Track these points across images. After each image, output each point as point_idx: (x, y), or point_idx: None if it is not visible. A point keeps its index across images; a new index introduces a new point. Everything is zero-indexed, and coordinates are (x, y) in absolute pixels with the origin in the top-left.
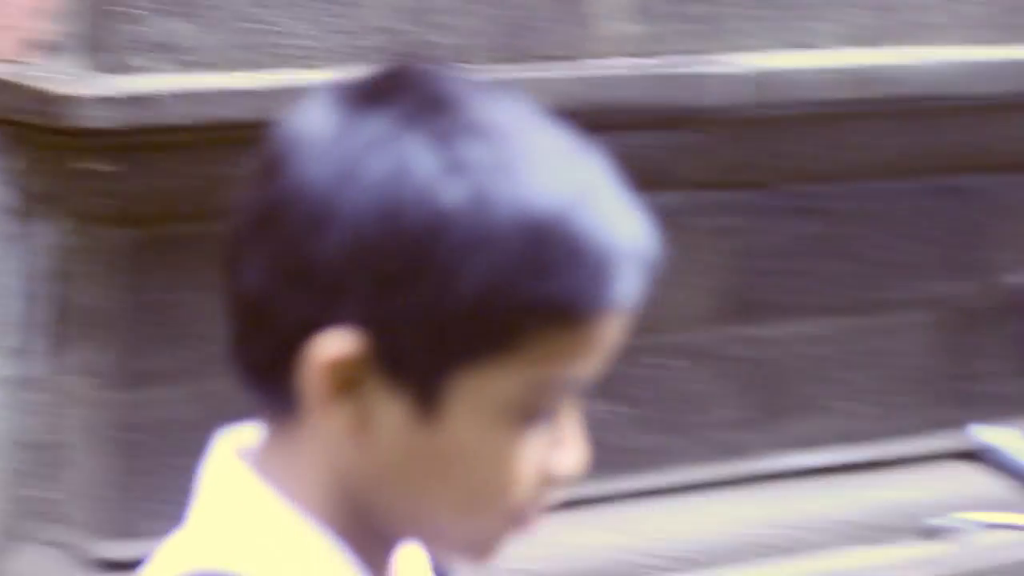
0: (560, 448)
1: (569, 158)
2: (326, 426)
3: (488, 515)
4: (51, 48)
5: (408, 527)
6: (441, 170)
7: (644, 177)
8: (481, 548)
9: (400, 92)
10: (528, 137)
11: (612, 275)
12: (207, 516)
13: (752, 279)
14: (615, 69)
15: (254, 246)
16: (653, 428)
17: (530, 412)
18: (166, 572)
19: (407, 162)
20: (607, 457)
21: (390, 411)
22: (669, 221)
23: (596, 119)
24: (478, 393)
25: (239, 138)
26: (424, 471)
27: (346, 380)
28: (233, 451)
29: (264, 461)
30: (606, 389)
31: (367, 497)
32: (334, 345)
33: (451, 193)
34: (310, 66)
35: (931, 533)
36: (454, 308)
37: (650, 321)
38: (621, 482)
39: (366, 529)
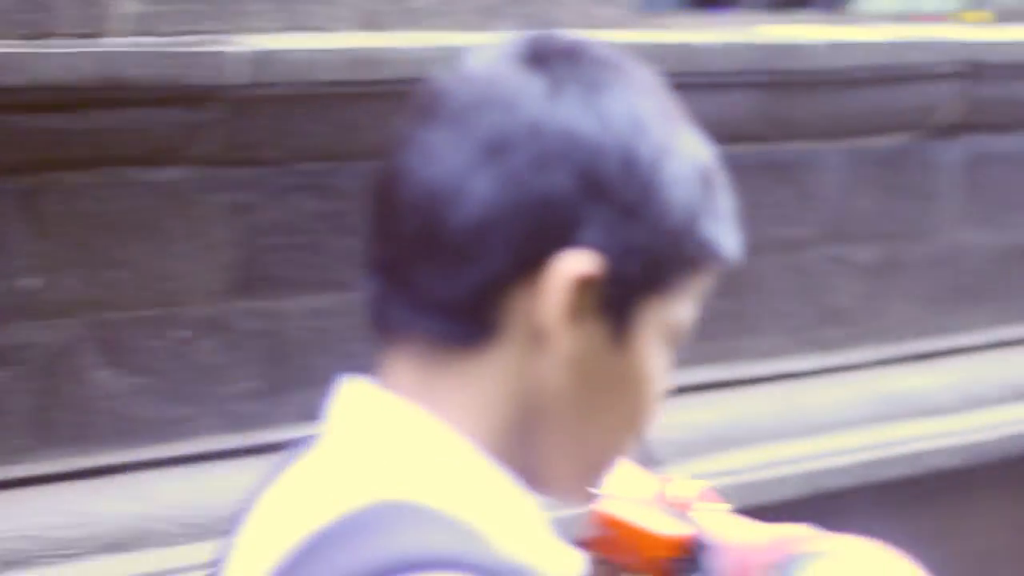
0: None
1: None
2: (524, 352)
3: (638, 428)
4: None
5: (556, 462)
6: (652, 116)
7: (153, 154)
8: (597, 474)
9: (587, 53)
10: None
11: (735, 230)
12: (361, 447)
13: (262, 254)
14: (121, 47)
15: (476, 180)
16: (171, 399)
17: (674, 339)
18: (337, 504)
19: (634, 107)
20: (127, 427)
21: (592, 336)
22: (181, 197)
23: (106, 96)
24: (655, 320)
25: None
26: (607, 391)
27: (581, 303)
28: (376, 387)
29: (418, 394)
30: (125, 361)
31: (539, 425)
32: (581, 263)
33: (655, 137)
34: None
35: None
36: (665, 240)
37: (167, 295)
38: (142, 452)
39: (515, 467)
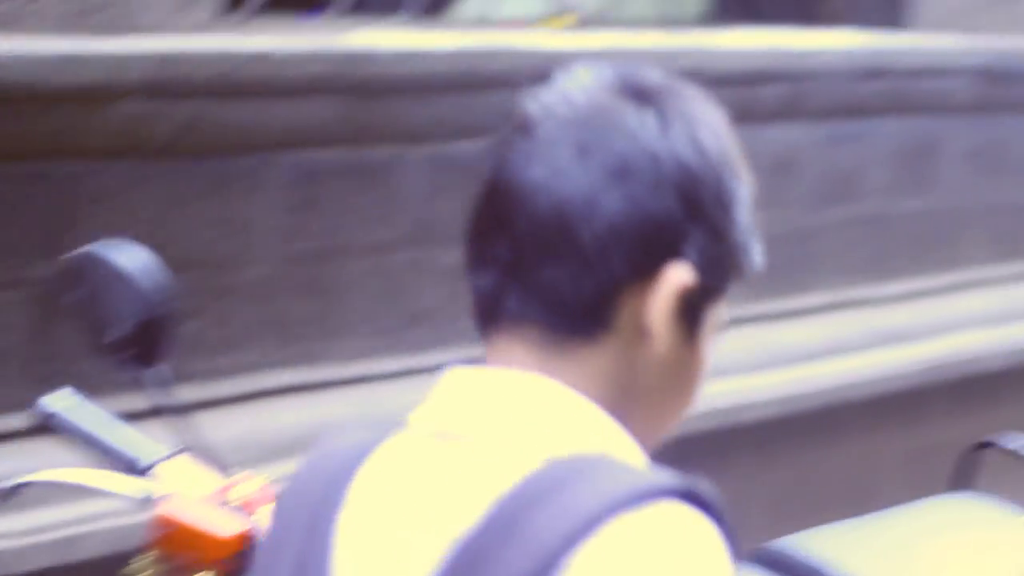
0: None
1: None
2: (630, 344)
3: (693, 403)
4: None
5: (637, 429)
6: (730, 147)
7: None
8: (662, 437)
9: (657, 89)
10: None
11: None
12: (506, 418)
13: None
14: None
15: (605, 198)
16: None
17: (718, 334)
18: (511, 470)
19: (720, 139)
20: None
21: (675, 334)
22: None
23: None
24: (713, 319)
25: None
26: (679, 378)
27: (682, 307)
28: (492, 369)
29: (539, 373)
30: None
31: (629, 402)
32: (684, 275)
33: (734, 166)
34: None
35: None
36: (734, 255)
37: None
38: None
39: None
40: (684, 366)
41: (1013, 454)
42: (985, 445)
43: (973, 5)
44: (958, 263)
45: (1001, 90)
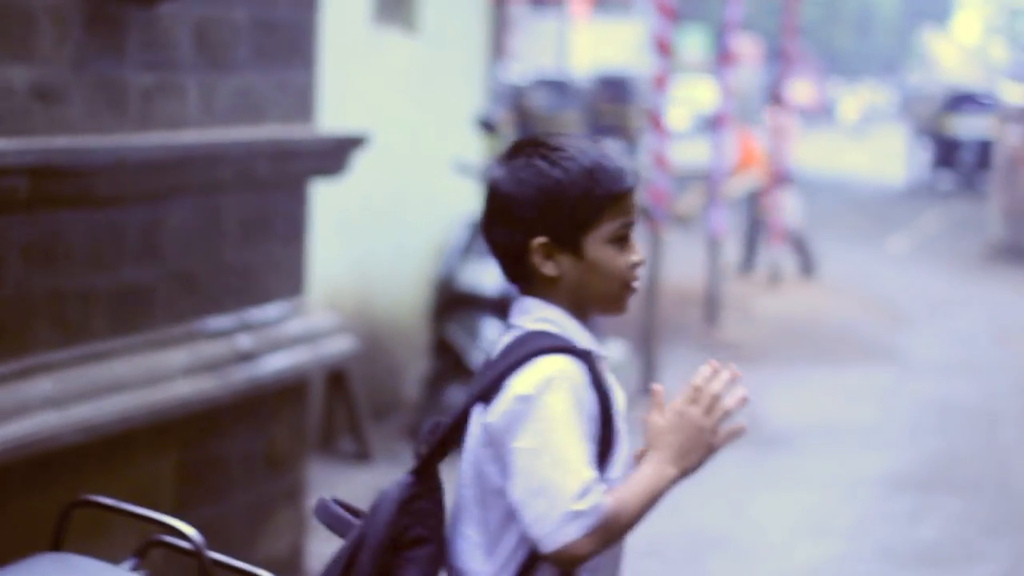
0: (632, 253)
1: (581, 143)
2: (547, 276)
3: (618, 287)
4: None
5: (590, 308)
6: (556, 160)
7: None
8: (621, 305)
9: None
10: (571, 142)
11: (621, 174)
12: (526, 314)
13: None
14: None
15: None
16: None
17: (617, 239)
18: (518, 332)
19: (542, 166)
20: None
21: (565, 260)
22: None
23: None
24: (595, 237)
25: None
26: (588, 278)
27: (546, 254)
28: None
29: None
30: None
31: (572, 300)
32: (539, 241)
33: (558, 170)
34: None
35: None
36: (589, 209)
37: None
38: None
39: (576, 317)
40: (590, 272)
41: (108, 507)
42: (76, 506)
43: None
44: (27, 349)
45: (54, 186)
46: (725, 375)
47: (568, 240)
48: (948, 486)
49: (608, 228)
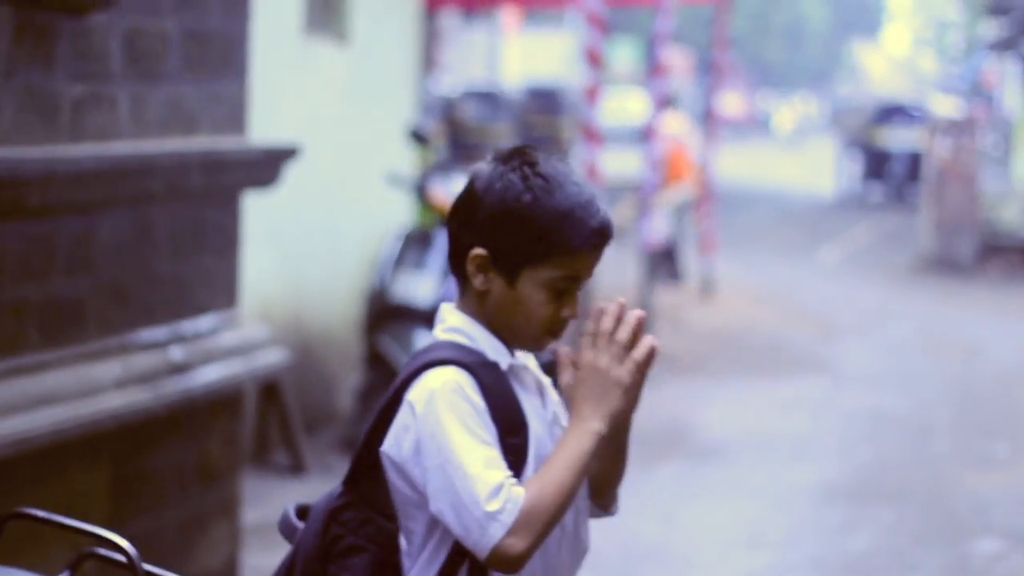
0: (566, 307)
1: (576, 184)
2: (476, 289)
3: (536, 331)
4: None
5: (508, 337)
6: (533, 186)
7: None
8: (536, 346)
9: (516, 156)
10: (563, 177)
11: (587, 234)
12: (447, 325)
13: None
14: None
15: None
16: None
17: (554, 288)
18: (432, 340)
19: (515, 184)
20: None
21: (497, 281)
22: None
23: None
24: (533, 276)
25: None
26: (511, 309)
27: (481, 267)
28: (451, 308)
29: (462, 309)
30: None
31: (491, 320)
32: (479, 251)
33: (529, 196)
34: None
35: None
36: (538, 247)
37: None
38: None
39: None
40: (515, 303)
41: (41, 520)
42: (9, 518)
43: None
44: None
45: None
46: (614, 308)
47: (506, 264)
48: (880, 496)
49: (548, 274)
